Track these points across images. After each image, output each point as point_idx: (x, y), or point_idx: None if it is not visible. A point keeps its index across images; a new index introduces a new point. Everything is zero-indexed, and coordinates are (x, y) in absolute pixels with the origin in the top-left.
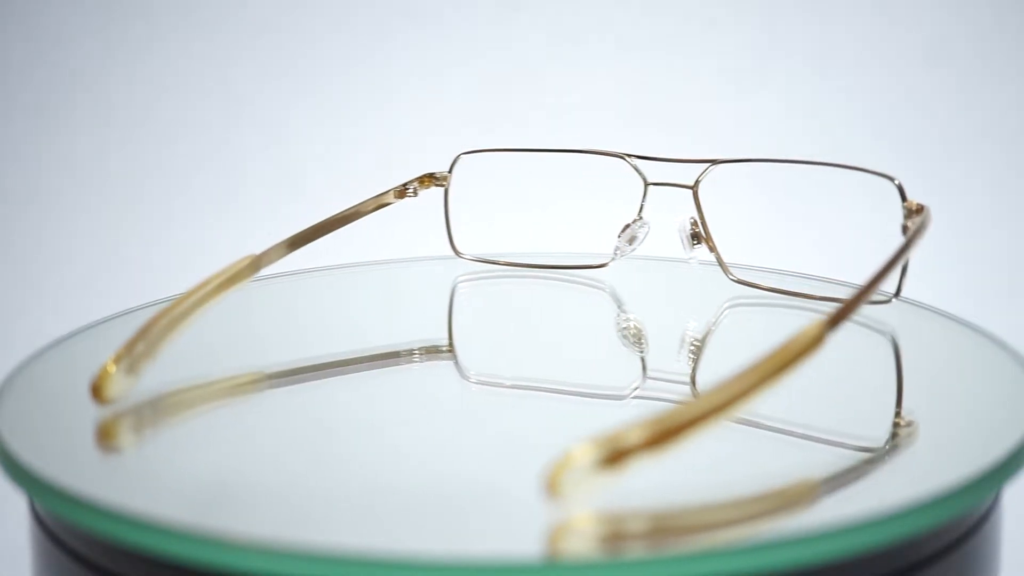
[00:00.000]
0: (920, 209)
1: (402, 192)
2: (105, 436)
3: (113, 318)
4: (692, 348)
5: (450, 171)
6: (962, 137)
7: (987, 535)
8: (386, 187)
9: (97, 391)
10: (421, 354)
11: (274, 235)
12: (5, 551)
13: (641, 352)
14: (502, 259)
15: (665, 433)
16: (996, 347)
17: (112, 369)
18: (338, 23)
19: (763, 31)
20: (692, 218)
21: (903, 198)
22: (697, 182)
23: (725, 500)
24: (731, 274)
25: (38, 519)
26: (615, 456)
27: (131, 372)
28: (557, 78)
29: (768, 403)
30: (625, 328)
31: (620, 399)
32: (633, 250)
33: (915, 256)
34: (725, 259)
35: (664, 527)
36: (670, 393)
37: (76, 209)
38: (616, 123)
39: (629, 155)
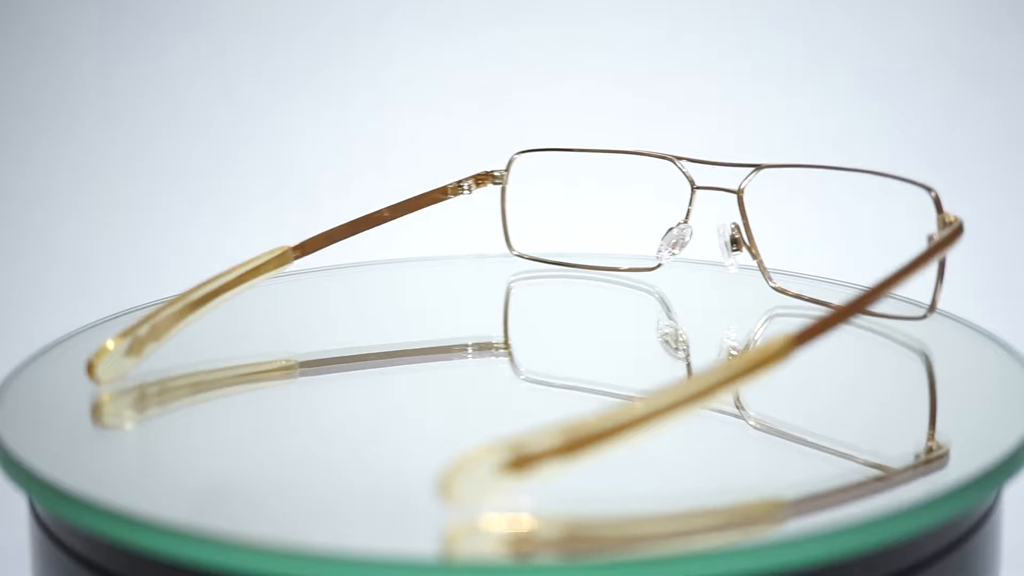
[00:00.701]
0: (953, 223)
1: (456, 189)
2: (99, 413)
3: (113, 318)
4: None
5: (507, 169)
6: (962, 137)
7: (987, 535)
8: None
9: (90, 368)
10: (474, 349)
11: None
12: (5, 551)
13: (682, 358)
14: (555, 258)
15: (578, 441)
16: (996, 347)
17: (110, 347)
18: (338, 23)
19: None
20: (733, 223)
21: (938, 210)
22: (742, 187)
23: (667, 511)
24: (772, 280)
25: (38, 519)
26: (521, 461)
27: (132, 353)
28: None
29: (791, 411)
30: (667, 334)
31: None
32: (677, 254)
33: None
34: (767, 265)
35: (577, 535)
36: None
37: (77, 209)
38: (656, 124)
39: (678, 157)
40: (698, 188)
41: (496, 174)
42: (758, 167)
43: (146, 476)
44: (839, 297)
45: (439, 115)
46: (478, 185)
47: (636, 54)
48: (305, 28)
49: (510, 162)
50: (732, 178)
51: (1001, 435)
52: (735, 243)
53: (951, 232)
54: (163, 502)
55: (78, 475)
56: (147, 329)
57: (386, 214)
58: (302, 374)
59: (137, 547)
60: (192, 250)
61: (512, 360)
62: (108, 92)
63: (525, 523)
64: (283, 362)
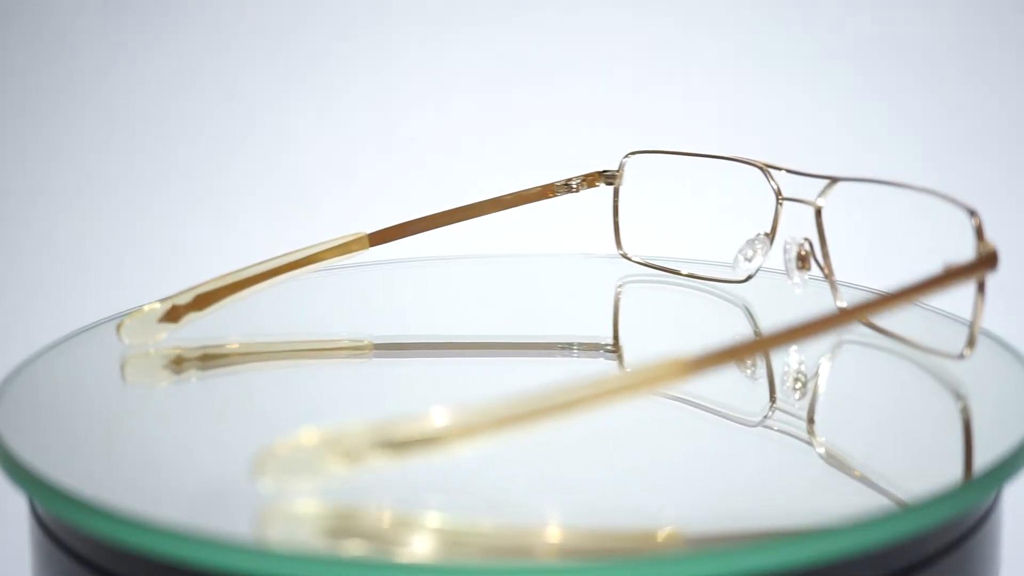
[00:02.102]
0: (985, 253)
1: (563, 187)
2: (127, 369)
3: (113, 318)
4: (799, 381)
5: (620, 170)
6: (963, 135)
7: (987, 535)
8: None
9: (118, 327)
10: (580, 348)
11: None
12: (5, 551)
13: (750, 376)
14: (660, 263)
15: (395, 441)
16: (996, 347)
17: (144, 309)
18: (339, 22)
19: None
20: (806, 239)
21: (978, 236)
22: (819, 202)
23: (501, 522)
24: (840, 300)
25: (38, 519)
26: (336, 451)
27: (168, 319)
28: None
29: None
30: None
31: (749, 425)
32: (756, 267)
33: (913, 260)
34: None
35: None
36: (791, 426)
37: (77, 209)
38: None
39: (768, 166)
40: (785, 200)
41: (609, 173)
42: (833, 179)
43: (146, 476)
44: (905, 326)
45: (440, 115)
46: (588, 185)
47: (638, 54)
48: (305, 27)
49: (622, 162)
50: (810, 191)
51: (1001, 435)
52: (802, 260)
53: (966, 264)
54: (163, 502)
55: (78, 475)
56: (189, 298)
57: (467, 212)
58: (376, 355)
59: (137, 548)
60: (193, 250)
61: (621, 363)
62: (108, 91)
63: (332, 510)
64: (356, 342)
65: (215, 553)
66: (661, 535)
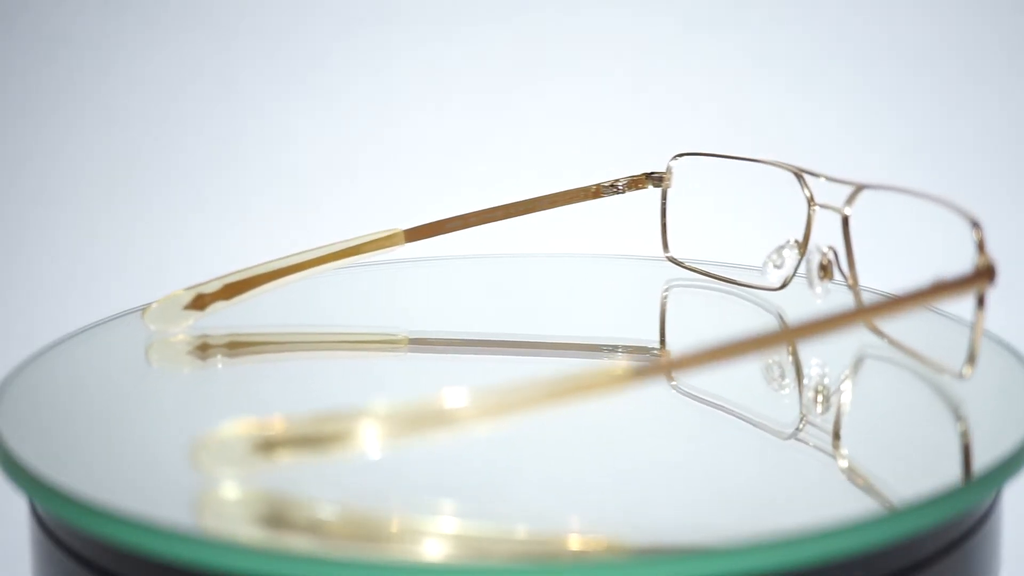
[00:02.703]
0: (983, 266)
1: (609, 188)
2: (151, 353)
3: (113, 318)
4: (820, 395)
5: (668, 172)
6: (963, 136)
7: (987, 535)
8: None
9: (144, 312)
10: (625, 351)
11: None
12: (5, 551)
13: (782, 390)
14: (704, 267)
15: (318, 436)
16: (996, 347)
17: (172, 296)
18: (339, 21)
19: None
20: (830, 247)
21: (979, 249)
22: (846, 210)
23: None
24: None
25: (38, 519)
26: (261, 444)
27: (193, 307)
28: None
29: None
30: (771, 364)
31: (781, 438)
32: (787, 275)
33: (913, 259)
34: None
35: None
36: (821, 441)
37: (76, 209)
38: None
39: (802, 171)
40: (818, 206)
41: (656, 175)
42: (860, 186)
43: (147, 476)
44: (918, 332)
45: (442, 114)
46: (634, 187)
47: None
48: (306, 27)
49: (670, 165)
50: (830, 195)
51: (1001, 435)
52: (824, 270)
53: (960, 277)
54: (163, 502)
55: (78, 475)
56: (217, 286)
57: (507, 211)
58: (411, 350)
59: (137, 548)
60: (193, 250)
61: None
62: (108, 91)
63: (262, 499)
64: (390, 335)
65: (215, 553)
66: (597, 544)
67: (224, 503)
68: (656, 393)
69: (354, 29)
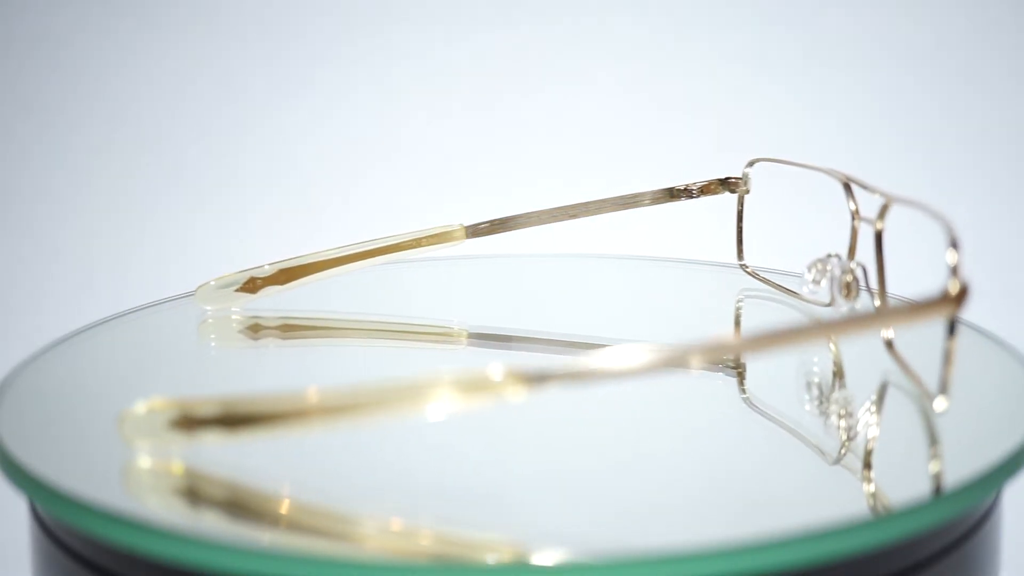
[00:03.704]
0: (955, 291)
1: (683, 192)
2: (201, 331)
3: (113, 318)
4: (843, 417)
5: (745, 177)
6: (963, 136)
7: (987, 535)
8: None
9: (196, 291)
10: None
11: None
12: (5, 551)
13: (811, 411)
14: (778, 280)
15: (235, 418)
16: (996, 347)
17: (225, 278)
18: (340, 21)
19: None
20: (859, 264)
21: (952, 272)
22: (880, 228)
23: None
24: (889, 331)
25: (38, 519)
26: (184, 422)
27: (245, 289)
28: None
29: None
30: (815, 382)
31: (828, 462)
32: (827, 291)
33: (914, 259)
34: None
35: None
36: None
37: (76, 209)
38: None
39: (850, 181)
40: (862, 220)
41: (732, 181)
42: (890, 199)
43: (147, 476)
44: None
45: (443, 115)
46: (708, 192)
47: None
48: (307, 27)
49: (746, 172)
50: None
51: (1001, 435)
52: (848, 288)
53: (929, 301)
54: (163, 503)
55: (78, 476)
56: (271, 271)
57: (598, 208)
58: (470, 345)
59: (137, 549)
60: (194, 250)
61: (742, 383)
62: (109, 91)
63: (187, 475)
64: (448, 328)
65: (215, 553)
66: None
67: (138, 473)
68: (656, 392)
69: (401, 26)
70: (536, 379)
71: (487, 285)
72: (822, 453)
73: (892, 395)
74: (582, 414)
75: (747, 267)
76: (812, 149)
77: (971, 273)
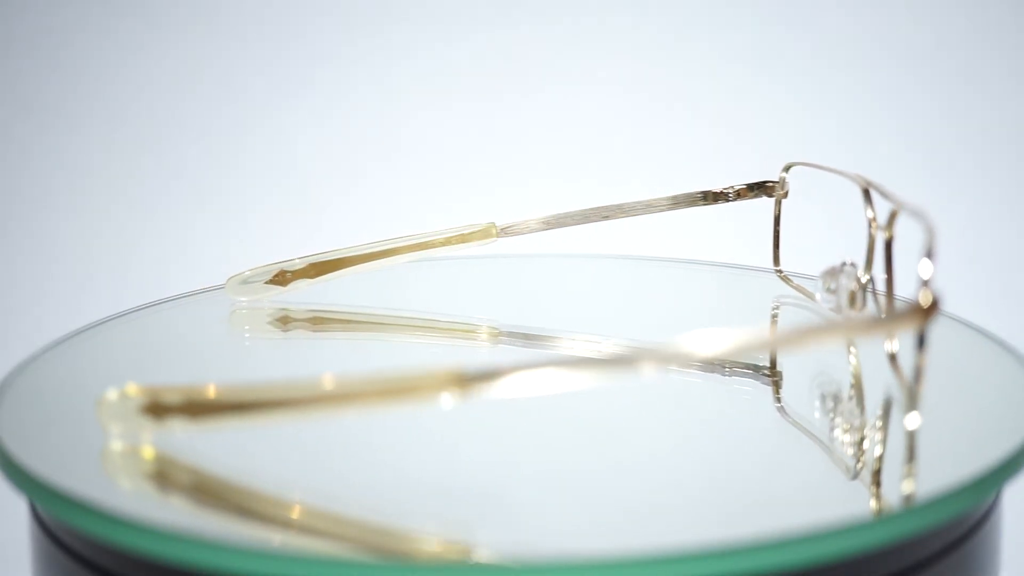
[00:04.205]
0: (925, 303)
1: (720, 196)
2: (232, 321)
3: (113, 318)
4: (847, 432)
5: (782, 181)
6: (963, 136)
7: (987, 535)
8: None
9: (227, 283)
10: (731, 367)
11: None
12: (5, 551)
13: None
14: (809, 289)
15: (198, 406)
16: (996, 347)
17: (256, 270)
18: (340, 22)
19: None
20: (867, 273)
21: (922, 283)
22: (889, 237)
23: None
24: (891, 342)
25: (38, 519)
26: (153, 408)
27: (275, 282)
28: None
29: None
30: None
31: (848, 478)
32: (839, 301)
33: (914, 259)
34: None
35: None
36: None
37: (76, 209)
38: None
39: (869, 186)
40: (879, 229)
41: (769, 185)
42: (899, 206)
43: (146, 477)
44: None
45: (444, 115)
46: (744, 196)
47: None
48: (307, 27)
49: (783, 176)
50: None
51: (1001, 435)
52: (853, 299)
53: (897, 313)
54: (163, 503)
55: (78, 476)
56: (302, 265)
57: (633, 210)
58: (501, 343)
59: (137, 549)
60: (194, 250)
61: (777, 391)
62: (109, 91)
63: (159, 460)
64: (479, 327)
65: (215, 553)
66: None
67: (111, 455)
68: (654, 392)
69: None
70: (473, 380)
71: (518, 284)
72: (823, 454)
73: (892, 396)
74: (582, 414)
75: (782, 272)
76: (813, 148)
77: (971, 273)
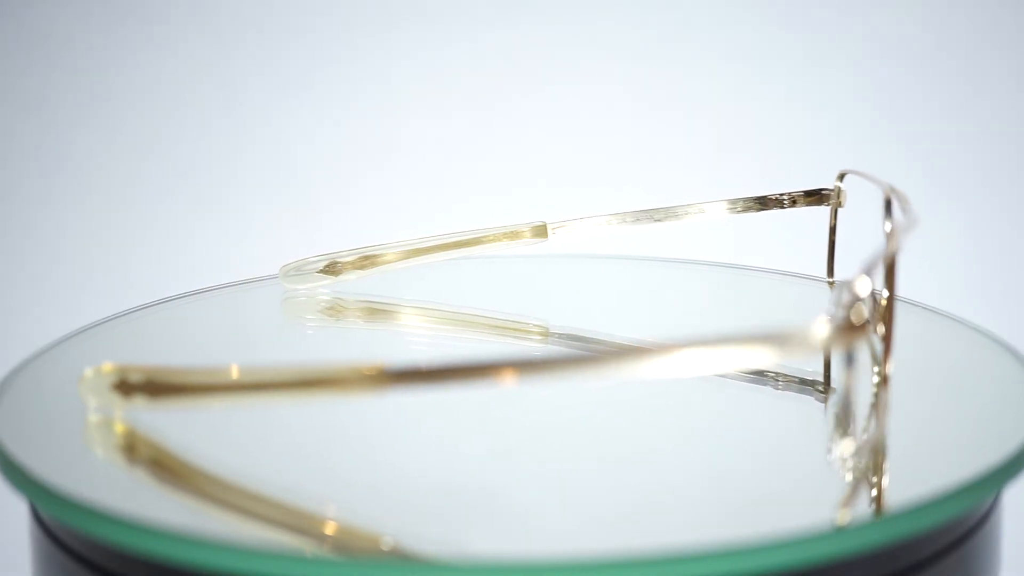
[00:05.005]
0: (857, 320)
1: (774, 202)
2: (284, 308)
3: (113, 318)
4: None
5: (838, 190)
6: (963, 137)
7: (987, 535)
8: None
9: (280, 271)
10: (783, 380)
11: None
12: (5, 551)
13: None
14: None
15: (158, 386)
16: (996, 347)
17: (308, 259)
18: (341, 23)
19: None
20: (871, 288)
21: (854, 301)
22: (891, 252)
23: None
24: (881, 368)
25: (38, 519)
26: (121, 386)
27: (327, 272)
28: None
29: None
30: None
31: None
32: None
33: (915, 258)
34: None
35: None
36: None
37: (77, 210)
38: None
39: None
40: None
41: (826, 192)
42: (894, 225)
43: (144, 477)
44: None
45: (443, 116)
46: (799, 203)
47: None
48: (308, 29)
49: (838, 186)
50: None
51: (1001, 436)
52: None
53: (821, 332)
54: (162, 503)
55: (77, 477)
56: (353, 257)
57: (677, 214)
58: (551, 343)
59: (137, 549)
60: (194, 250)
61: (829, 399)
62: (110, 92)
63: (129, 433)
64: (529, 325)
65: (215, 553)
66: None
67: (88, 426)
68: (656, 393)
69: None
70: (394, 378)
71: (569, 284)
72: (823, 455)
73: (893, 397)
74: (582, 414)
75: (834, 283)
76: (812, 149)
77: (971, 273)
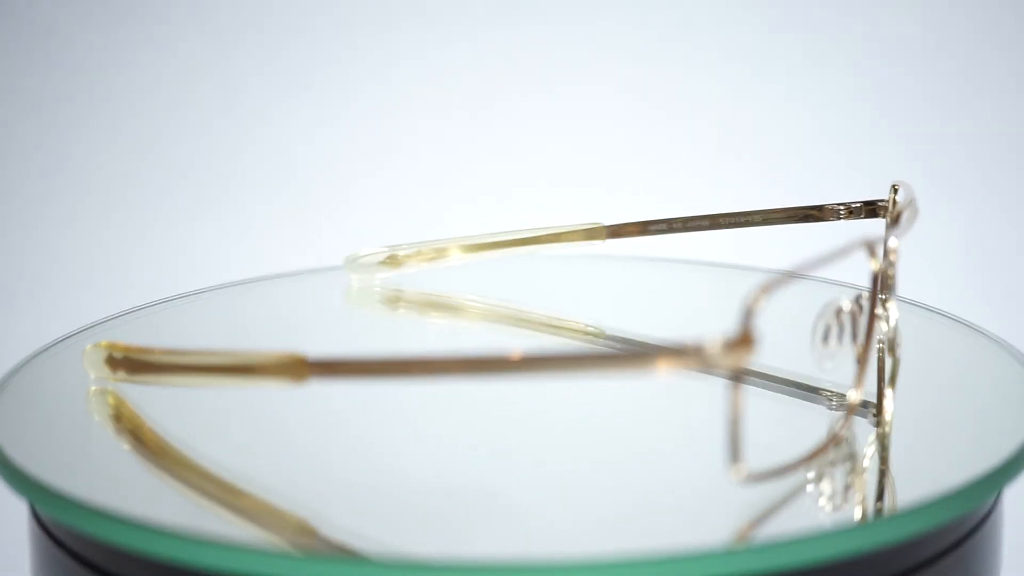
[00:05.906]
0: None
1: (830, 212)
2: (353, 296)
3: (113, 318)
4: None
5: (892, 202)
6: (963, 137)
7: (987, 536)
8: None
9: (345, 260)
10: (836, 398)
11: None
12: (5, 552)
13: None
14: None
15: (133, 362)
16: (996, 347)
17: (370, 251)
18: (340, 23)
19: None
20: (861, 307)
21: (747, 317)
22: (875, 268)
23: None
24: (860, 392)
25: (38, 519)
26: (109, 361)
27: (388, 264)
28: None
29: None
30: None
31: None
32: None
33: (915, 258)
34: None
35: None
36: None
37: (77, 210)
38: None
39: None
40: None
41: (880, 205)
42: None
43: (144, 477)
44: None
45: (442, 117)
46: (853, 215)
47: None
48: (308, 29)
49: (894, 194)
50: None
51: (1001, 436)
52: (825, 339)
53: (702, 349)
54: (162, 503)
55: (77, 477)
56: (412, 250)
57: (743, 220)
58: (606, 346)
59: (137, 549)
60: (194, 251)
61: (882, 425)
62: (110, 92)
63: (118, 403)
64: (586, 327)
65: (215, 553)
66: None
67: (89, 395)
68: (657, 392)
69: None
70: (313, 368)
71: (629, 287)
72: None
73: (894, 397)
74: (582, 414)
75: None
76: (812, 149)
77: (971, 273)
